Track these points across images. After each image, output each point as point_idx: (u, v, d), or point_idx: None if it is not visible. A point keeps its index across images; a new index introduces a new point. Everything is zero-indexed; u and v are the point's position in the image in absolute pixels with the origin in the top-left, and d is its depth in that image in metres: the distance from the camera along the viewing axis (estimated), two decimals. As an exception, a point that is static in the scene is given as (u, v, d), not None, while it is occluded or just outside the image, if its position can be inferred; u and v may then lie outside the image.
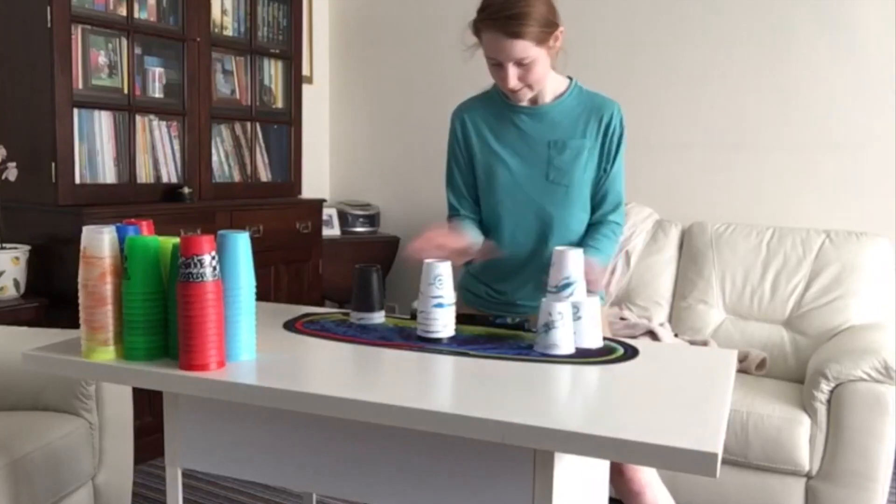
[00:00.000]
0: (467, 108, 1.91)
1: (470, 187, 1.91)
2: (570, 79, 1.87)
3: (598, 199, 1.86)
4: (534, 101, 1.82)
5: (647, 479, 1.77)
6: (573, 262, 1.57)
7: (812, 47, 3.06)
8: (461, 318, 1.70)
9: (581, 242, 1.84)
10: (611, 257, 1.86)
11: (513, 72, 1.70)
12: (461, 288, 1.99)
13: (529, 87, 1.75)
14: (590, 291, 1.65)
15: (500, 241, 1.87)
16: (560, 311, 1.51)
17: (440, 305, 1.58)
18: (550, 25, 1.69)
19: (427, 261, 1.60)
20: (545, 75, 1.76)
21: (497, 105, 1.85)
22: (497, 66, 1.72)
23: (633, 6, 3.39)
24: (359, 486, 1.39)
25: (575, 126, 1.81)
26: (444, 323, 1.59)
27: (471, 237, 1.83)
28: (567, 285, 1.56)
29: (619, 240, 1.89)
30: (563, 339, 1.52)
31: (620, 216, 1.88)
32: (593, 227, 1.87)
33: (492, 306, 1.92)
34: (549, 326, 1.52)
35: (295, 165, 3.63)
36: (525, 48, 1.67)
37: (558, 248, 1.58)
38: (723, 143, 3.25)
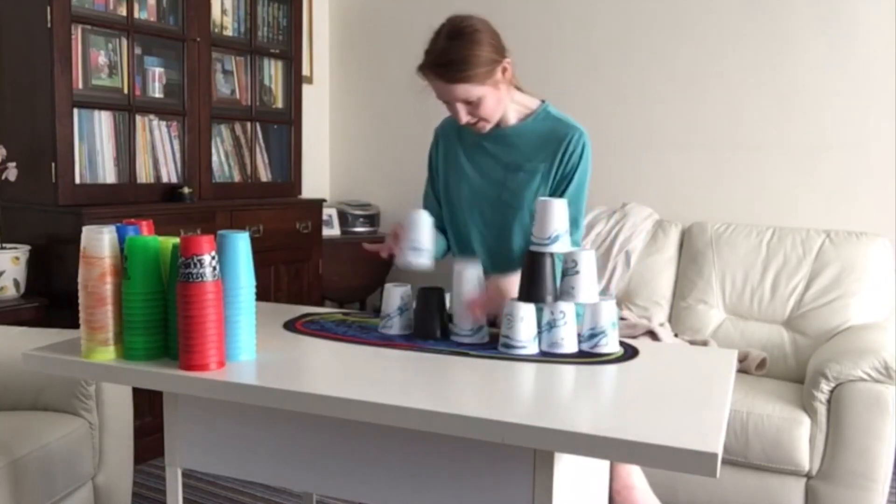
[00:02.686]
0: (445, 124, 2.00)
1: (437, 196, 2.01)
2: (543, 101, 1.90)
3: None
4: (498, 122, 1.84)
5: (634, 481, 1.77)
6: (558, 215, 1.53)
7: (812, 47, 3.06)
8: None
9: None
10: None
11: (462, 109, 1.76)
12: None
13: (483, 120, 1.79)
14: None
15: (459, 251, 1.95)
16: (563, 310, 1.52)
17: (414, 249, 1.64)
18: (492, 63, 1.72)
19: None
20: (497, 107, 1.79)
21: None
22: (448, 104, 1.78)
23: (633, 6, 3.39)
24: (359, 486, 1.39)
25: (533, 150, 1.84)
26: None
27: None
28: (555, 239, 1.53)
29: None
30: (566, 338, 1.52)
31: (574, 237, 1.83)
32: None
33: None
34: (551, 325, 1.52)
35: (295, 165, 3.63)
36: (467, 90, 1.71)
37: (541, 199, 1.54)
38: (723, 143, 3.25)
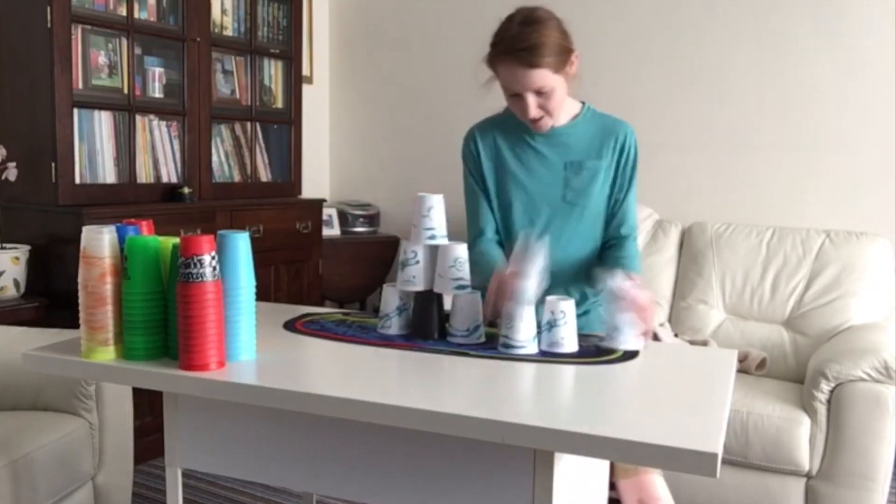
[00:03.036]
0: (480, 130, 1.92)
1: (490, 204, 1.91)
2: (583, 103, 1.89)
3: (616, 221, 1.87)
4: None
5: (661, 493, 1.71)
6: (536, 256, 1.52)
7: (812, 47, 3.06)
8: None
9: (592, 260, 1.86)
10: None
11: (533, 101, 1.72)
12: None
13: (549, 114, 1.76)
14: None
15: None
16: (563, 309, 1.52)
17: (433, 238, 1.59)
18: (566, 52, 1.71)
19: (419, 194, 1.61)
20: (561, 103, 1.77)
21: (512, 127, 1.86)
22: (516, 97, 1.74)
23: (635, 8, 3.39)
24: (359, 486, 1.39)
25: (590, 147, 1.84)
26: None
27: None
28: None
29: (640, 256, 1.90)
30: (566, 338, 1.52)
31: (636, 236, 1.89)
32: (617, 244, 1.87)
33: None
34: (551, 325, 1.52)
35: (295, 165, 3.63)
36: (544, 77, 1.68)
37: (524, 234, 1.53)
38: (723, 144, 3.25)
